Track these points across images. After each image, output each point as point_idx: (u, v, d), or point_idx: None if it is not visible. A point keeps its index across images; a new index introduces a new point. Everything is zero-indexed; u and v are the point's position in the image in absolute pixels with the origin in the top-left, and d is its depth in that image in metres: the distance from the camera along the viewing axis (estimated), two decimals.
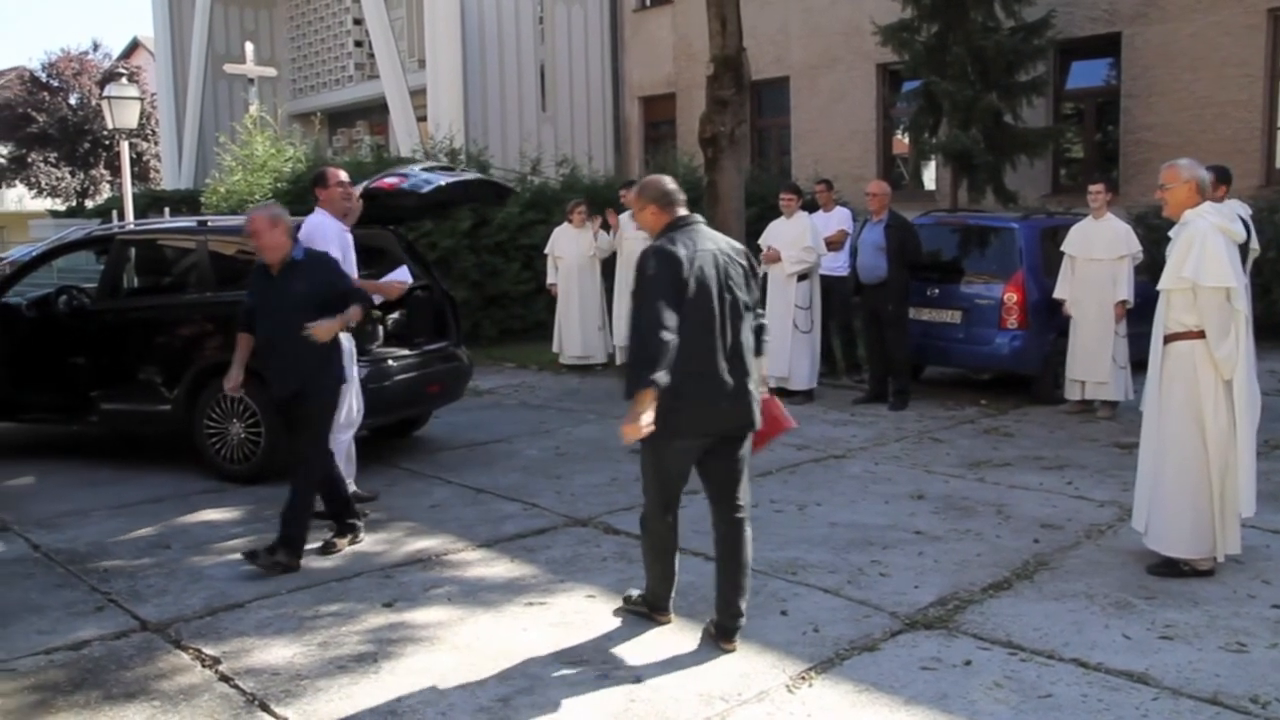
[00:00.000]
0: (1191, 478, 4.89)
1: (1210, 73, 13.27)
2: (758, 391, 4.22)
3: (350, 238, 6.28)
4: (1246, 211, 7.22)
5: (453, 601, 4.84)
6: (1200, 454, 4.87)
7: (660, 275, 3.96)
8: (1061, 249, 8.71)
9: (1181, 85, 13.52)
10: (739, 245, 4.27)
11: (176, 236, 8.15)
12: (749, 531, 4.29)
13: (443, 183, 7.24)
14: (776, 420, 4.45)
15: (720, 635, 4.25)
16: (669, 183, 4.25)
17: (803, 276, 9.48)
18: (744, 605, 4.25)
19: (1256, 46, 12.94)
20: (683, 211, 4.19)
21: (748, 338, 4.17)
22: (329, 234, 6.09)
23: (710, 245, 4.12)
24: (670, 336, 3.85)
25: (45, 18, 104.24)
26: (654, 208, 4.21)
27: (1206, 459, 4.86)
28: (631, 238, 11.42)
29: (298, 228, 6.82)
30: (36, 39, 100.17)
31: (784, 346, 9.42)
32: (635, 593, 4.63)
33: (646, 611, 4.51)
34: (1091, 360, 8.58)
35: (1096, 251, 8.49)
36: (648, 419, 3.87)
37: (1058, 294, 8.70)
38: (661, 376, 3.83)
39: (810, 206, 10.64)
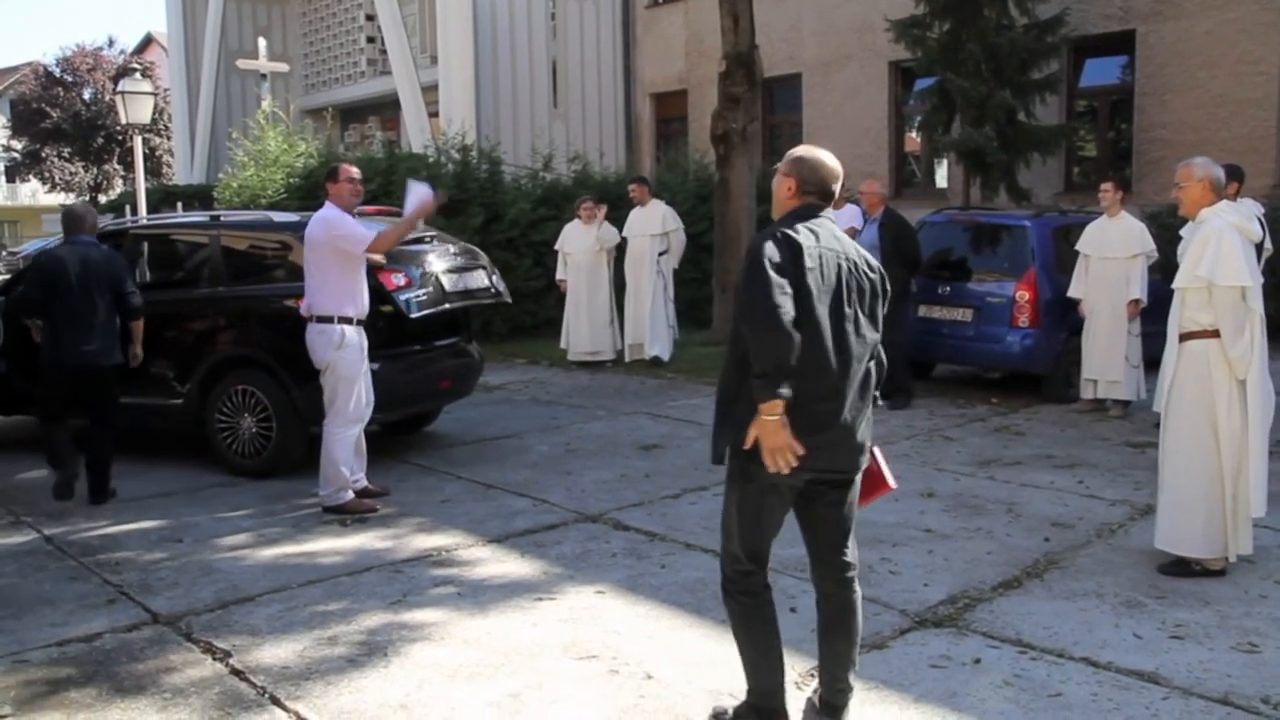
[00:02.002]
0: (1204, 477, 4.87)
1: (1225, 70, 13.21)
2: (869, 433, 3.45)
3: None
4: (1260, 210, 7.19)
5: (463, 597, 4.85)
6: (1213, 453, 4.85)
7: (779, 261, 3.16)
8: (1076, 247, 8.69)
9: (1196, 83, 13.46)
10: (873, 260, 3.45)
11: (189, 231, 8.18)
12: (859, 595, 3.55)
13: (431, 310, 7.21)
14: (877, 479, 3.64)
15: (824, 712, 3.51)
16: (830, 177, 3.40)
17: None
18: (851, 679, 3.52)
19: (1273, 44, 12.87)
20: (817, 202, 3.39)
21: (864, 367, 3.37)
22: (343, 215, 6.24)
23: (837, 245, 3.32)
24: (794, 333, 3.08)
25: (60, 13, 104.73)
26: (793, 183, 3.40)
27: (1219, 458, 4.84)
28: (639, 235, 11.43)
29: (298, 223, 6.89)
30: (51, 34, 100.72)
31: None
32: (729, 707, 3.64)
33: (762, 708, 3.50)
34: (1104, 359, 8.55)
35: (1111, 250, 8.46)
36: (786, 439, 3.14)
37: (1072, 292, 8.67)
38: (782, 385, 3.09)
39: None
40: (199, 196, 18.25)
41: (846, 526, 3.51)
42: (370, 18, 21.43)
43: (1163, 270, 8.32)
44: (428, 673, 4.06)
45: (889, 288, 3.48)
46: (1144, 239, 8.45)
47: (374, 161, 13.05)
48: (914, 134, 16.34)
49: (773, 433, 3.14)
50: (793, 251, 3.20)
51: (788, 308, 3.09)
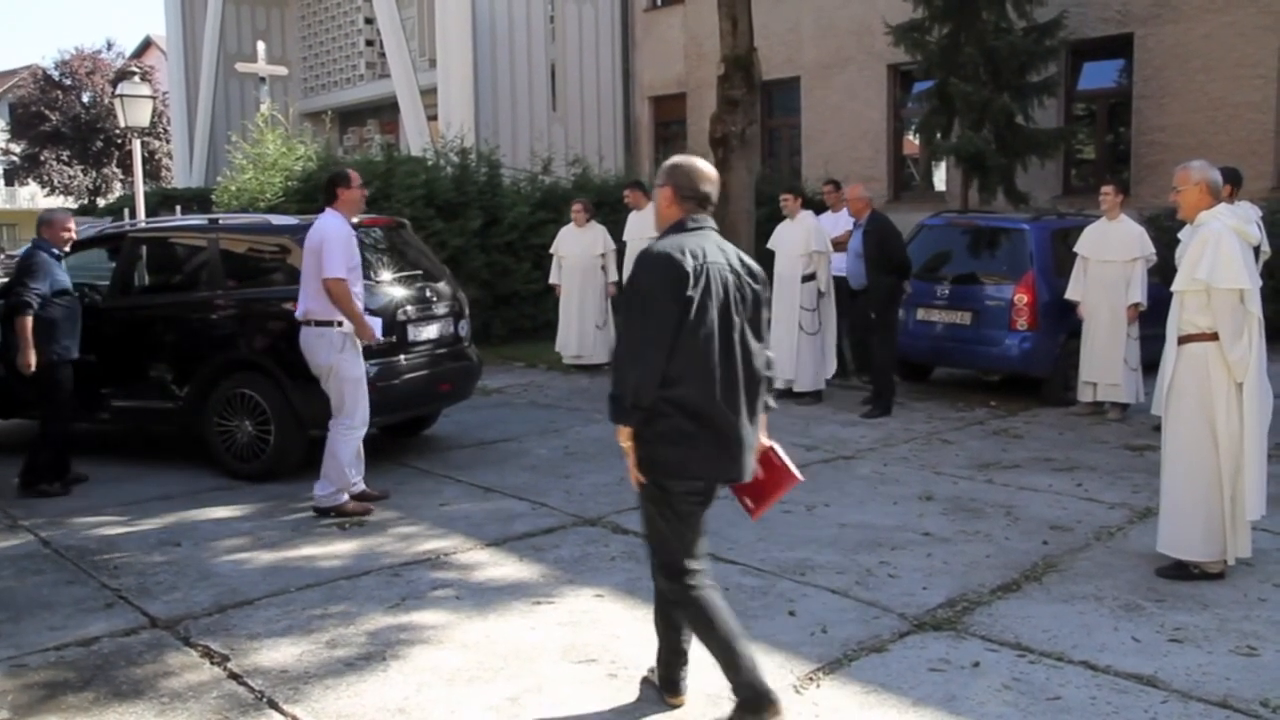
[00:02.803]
0: (1202, 480, 4.87)
1: (1223, 74, 13.23)
2: (755, 439, 3.53)
3: (355, 239, 6.33)
4: (1258, 213, 7.20)
5: (461, 600, 4.85)
6: (1211, 456, 4.85)
7: (660, 291, 3.31)
8: (1074, 249, 8.68)
9: (1194, 86, 13.48)
10: (754, 264, 3.54)
11: (187, 235, 8.17)
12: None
13: None
14: (782, 474, 3.69)
15: (664, 689, 3.75)
16: (705, 181, 3.50)
17: (808, 278, 9.44)
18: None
19: (1270, 48, 12.89)
20: (697, 214, 3.49)
21: (757, 376, 3.49)
22: (341, 234, 6.18)
23: (721, 258, 3.42)
24: (655, 368, 3.31)
25: (59, 17, 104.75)
26: (670, 192, 3.49)
27: (1218, 461, 4.84)
28: (637, 239, 11.40)
29: (296, 226, 6.90)
30: (50, 38, 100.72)
31: (790, 348, 9.42)
32: (728, 707, 3.63)
33: (755, 706, 3.49)
34: (1103, 362, 8.54)
35: (1109, 253, 8.46)
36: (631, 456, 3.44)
37: (1070, 295, 8.67)
38: (638, 415, 3.36)
39: (819, 207, 10.61)
40: (197, 199, 18.26)
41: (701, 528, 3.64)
42: (369, 21, 21.43)
43: (1161, 273, 8.32)
44: (426, 676, 4.05)
45: (767, 295, 3.59)
46: (1143, 242, 8.44)
47: (373, 165, 13.04)
48: (913, 137, 16.35)
49: (627, 451, 3.45)
50: (679, 275, 3.30)
51: (660, 351, 3.29)
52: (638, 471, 3.46)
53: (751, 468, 3.54)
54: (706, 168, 3.54)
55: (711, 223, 3.53)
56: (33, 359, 6.54)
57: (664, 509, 3.50)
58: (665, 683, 3.76)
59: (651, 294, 3.33)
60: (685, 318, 3.30)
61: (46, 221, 6.91)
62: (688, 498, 3.48)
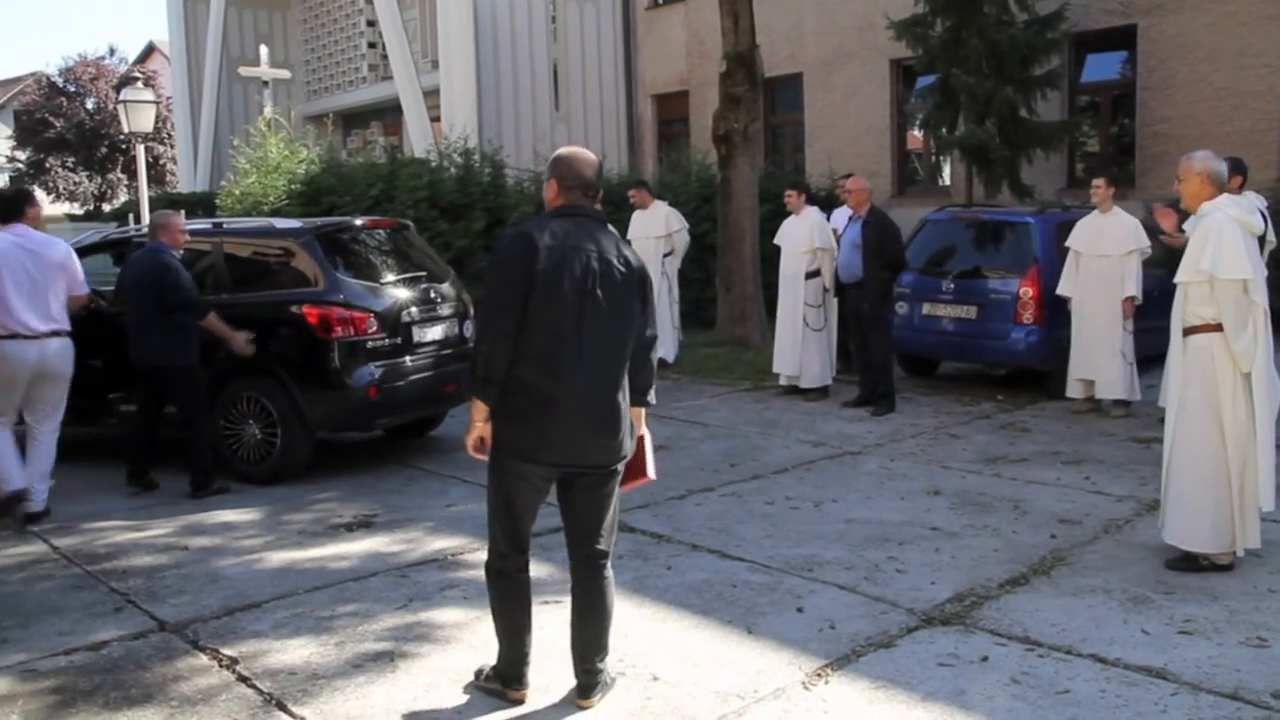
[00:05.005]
0: (1210, 471, 4.86)
1: (1227, 64, 13.19)
2: (627, 426, 3.61)
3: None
4: (1263, 203, 7.16)
5: (469, 601, 4.85)
6: (1219, 447, 4.84)
7: (506, 266, 3.42)
8: (1066, 244, 8.61)
9: (1198, 77, 13.43)
10: (631, 254, 3.60)
11: (192, 239, 8.17)
12: (610, 578, 3.80)
13: None
14: (635, 468, 3.80)
15: (577, 693, 3.78)
16: (585, 167, 3.58)
17: (812, 274, 9.41)
18: (600, 663, 3.76)
19: (1274, 37, 12.84)
20: (580, 201, 3.56)
21: (617, 359, 3.55)
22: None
23: (589, 244, 3.47)
24: (503, 340, 3.40)
25: (62, 24, 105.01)
26: (555, 184, 3.58)
27: (1225, 452, 4.83)
28: (642, 238, 11.40)
29: (301, 229, 6.87)
30: (54, 45, 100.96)
31: (795, 344, 9.40)
32: (486, 666, 3.93)
33: (499, 689, 3.81)
34: (1100, 359, 8.44)
35: (1104, 247, 8.38)
36: (477, 434, 3.54)
37: (1061, 291, 8.58)
38: (490, 389, 3.45)
39: (829, 203, 10.57)
40: (202, 204, 18.28)
41: (600, 516, 3.72)
42: (371, 23, 21.46)
43: (1166, 264, 8.28)
44: (435, 677, 4.06)
45: (649, 290, 3.64)
46: (1138, 235, 8.34)
47: (376, 167, 13.06)
48: (916, 132, 16.32)
49: (473, 428, 3.54)
50: (527, 251, 3.39)
51: (507, 324, 3.39)
52: (475, 443, 3.58)
53: (604, 456, 3.56)
54: (586, 155, 3.63)
55: (593, 210, 3.58)
56: (243, 340, 6.79)
57: (495, 485, 3.65)
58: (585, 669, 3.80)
59: (500, 269, 3.45)
60: (532, 293, 3.38)
61: (163, 225, 6.87)
62: (519, 478, 3.58)
